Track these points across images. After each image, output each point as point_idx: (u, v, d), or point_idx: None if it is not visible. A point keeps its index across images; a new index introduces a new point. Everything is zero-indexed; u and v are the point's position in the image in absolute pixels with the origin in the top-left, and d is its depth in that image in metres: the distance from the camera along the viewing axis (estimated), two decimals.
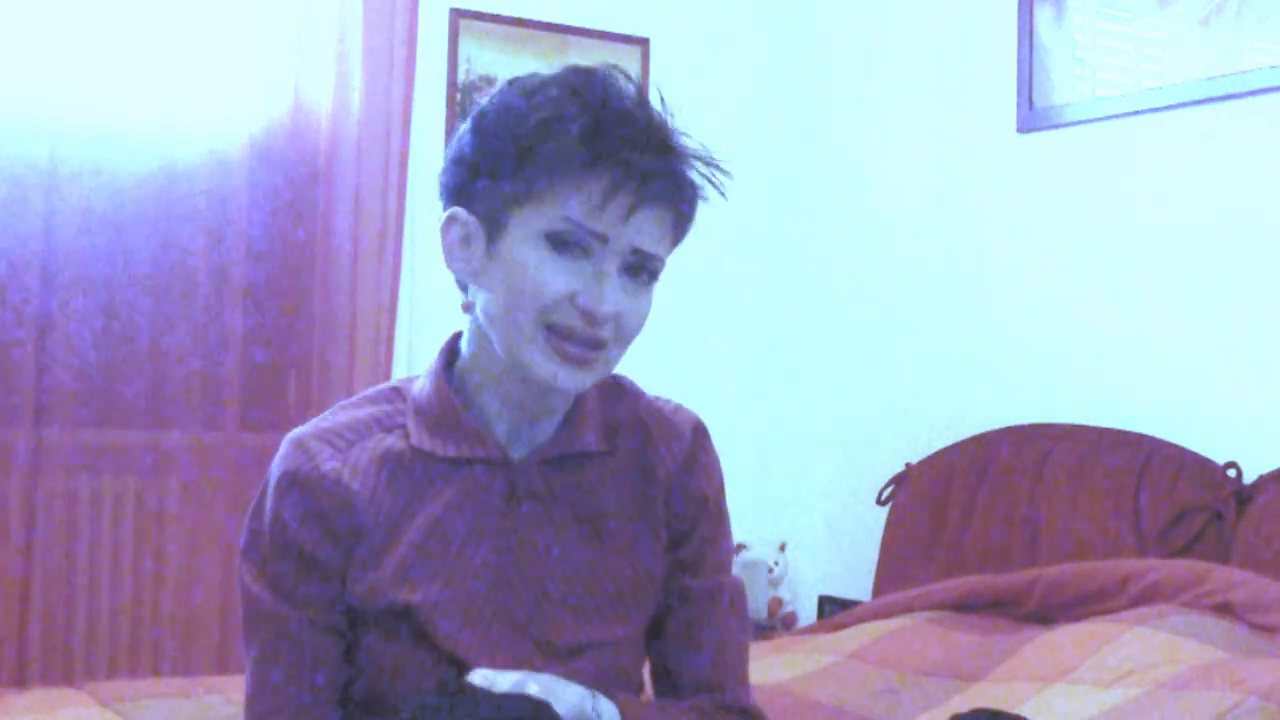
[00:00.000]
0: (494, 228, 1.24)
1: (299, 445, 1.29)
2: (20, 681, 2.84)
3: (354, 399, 1.36)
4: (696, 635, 1.38)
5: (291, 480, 1.27)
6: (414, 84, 3.30)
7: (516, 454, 1.31)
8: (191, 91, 3.06)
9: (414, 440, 1.29)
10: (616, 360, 1.27)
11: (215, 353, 3.07)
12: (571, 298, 1.21)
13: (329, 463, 1.27)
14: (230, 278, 3.08)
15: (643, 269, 1.25)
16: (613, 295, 1.22)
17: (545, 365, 1.23)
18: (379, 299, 3.21)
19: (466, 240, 1.27)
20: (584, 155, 1.19)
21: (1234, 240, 2.78)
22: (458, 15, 3.43)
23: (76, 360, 2.95)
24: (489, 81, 3.43)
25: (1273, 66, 2.69)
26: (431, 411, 1.30)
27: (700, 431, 1.40)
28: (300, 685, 1.28)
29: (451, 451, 1.29)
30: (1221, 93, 2.78)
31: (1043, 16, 3.15)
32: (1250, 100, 2.75)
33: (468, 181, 1.26)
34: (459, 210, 1.27)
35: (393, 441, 1.30)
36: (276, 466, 1.29)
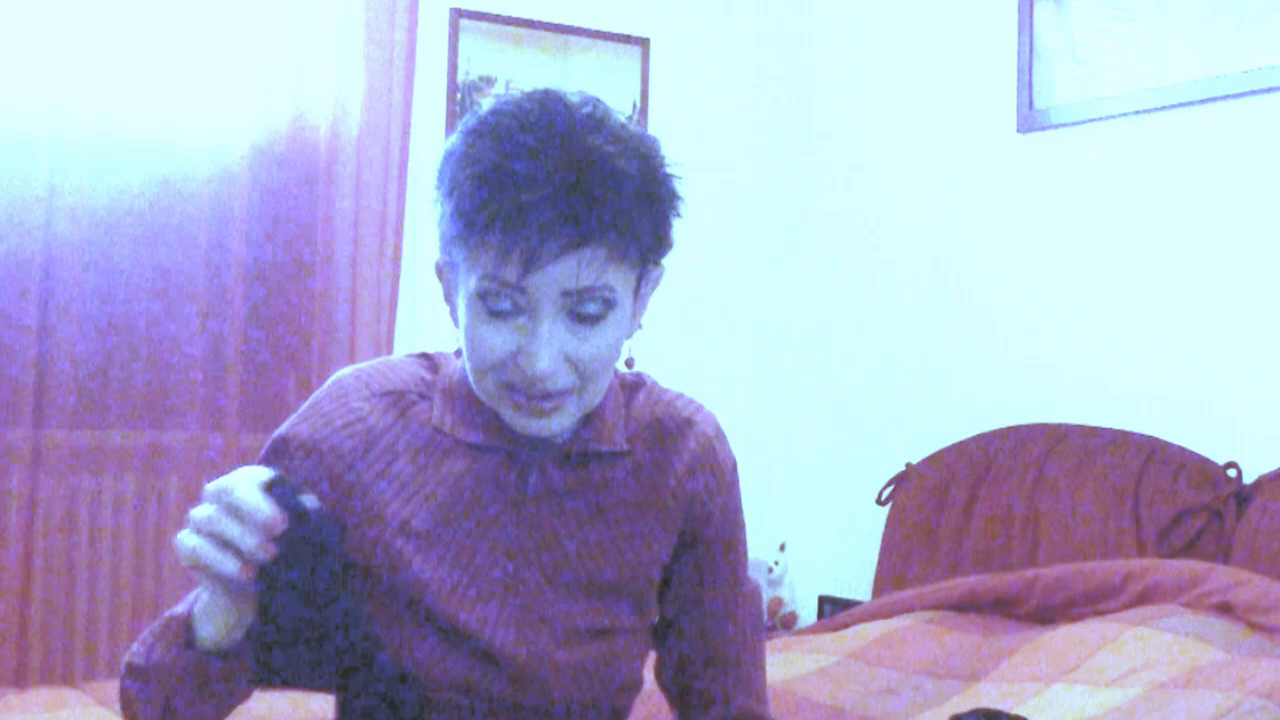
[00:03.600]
0: (450, 285, 1.24)
1: (337, 381, 1.32)
2: (20, 681, 2.85)
3: (400, 356, 1.38)
4: (710, 646, 1.40)
5: (317, 409, 1.30)
6: (414, 84, 3.30)
7: (534, 448, 1.32)
8: (192, 96, 3.06)
9: (436, 418, 1.30)
10: (594, 395, 1.24)
11: (215, 353, 3.08)
12: (513, 357, 1.20)
13: (358, 402, 1.29)
14: (231, 279, 3.08)
15: (585, 307, 1.19)
16: (548, 351, 1.18)
17: (514, 419, 1.24)
18: (379, 299, 3.22)
19: (449, 293, 1.28)
20: (474, 222, 1.16)
21: (1234, 240, 2.78)
22: (458, 15, 3.43)
23: (76, 360, 2.95)
24: (489, 81, 3.43)
25: (1273, 66, 2.69)
26: (458, 395, 1.31)
27: (716, 436, 1.40)
28: None
29: (470, 438, 1.30)
30: (1221, 93, 2.79)
31: (1042, 16, 3.15)
32: (1250, 100, 2.75)
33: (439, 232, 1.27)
34: (439, 261, 1.28)
35: (421, 408, 1.31)
36: (313, 395, 1.33)
